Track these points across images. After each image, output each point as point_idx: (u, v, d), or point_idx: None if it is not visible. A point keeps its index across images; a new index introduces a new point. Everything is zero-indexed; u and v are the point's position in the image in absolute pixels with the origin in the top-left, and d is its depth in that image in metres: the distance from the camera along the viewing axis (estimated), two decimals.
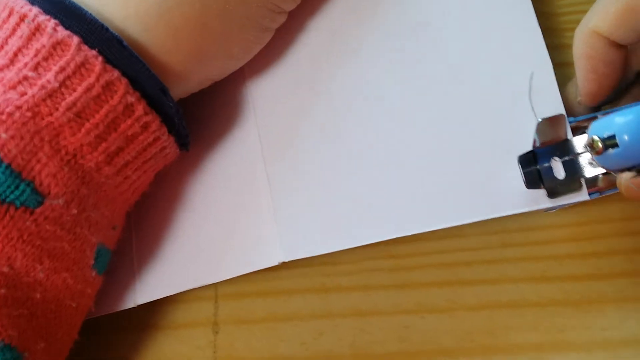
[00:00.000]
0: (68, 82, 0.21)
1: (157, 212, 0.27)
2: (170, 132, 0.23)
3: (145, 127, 0.22)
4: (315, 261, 0.25)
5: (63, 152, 0.21)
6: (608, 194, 0.23)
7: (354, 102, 0.26)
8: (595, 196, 0.23)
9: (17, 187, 0.20)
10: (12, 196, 0.20)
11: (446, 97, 0.25)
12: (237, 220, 0.26)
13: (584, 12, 0.22)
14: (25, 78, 0.20)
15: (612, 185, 0.22)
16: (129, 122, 0.22)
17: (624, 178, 0.20)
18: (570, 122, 0.23)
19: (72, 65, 0.20)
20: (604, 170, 0.22)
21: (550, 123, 0.22)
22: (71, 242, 0.22)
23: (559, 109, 0.23)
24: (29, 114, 0.20)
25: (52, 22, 0.20)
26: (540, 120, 0.21)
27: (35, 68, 0.21)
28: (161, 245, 0.26)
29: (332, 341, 0.25)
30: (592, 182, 0.23)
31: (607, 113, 0.21)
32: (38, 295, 0.21)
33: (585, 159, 0.22)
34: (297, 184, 0.25)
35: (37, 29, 0.21)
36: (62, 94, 0.21)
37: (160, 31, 0.22)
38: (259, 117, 0.27)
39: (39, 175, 0.20)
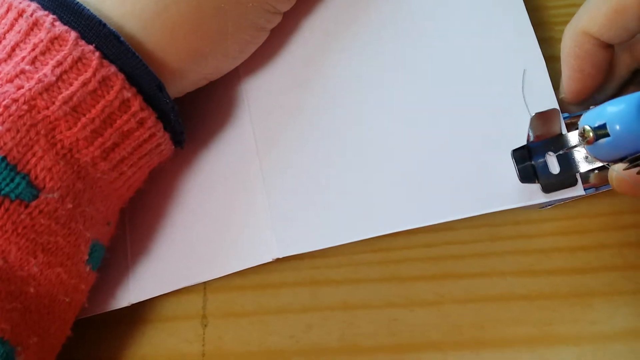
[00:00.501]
0: (65, 77, 0.21)
1: (152, 209, 0.27)
2: (165, 128, 0.24)
3: (141, 123, 0.22)
4: (305, 254, 0.25)
5: (59, 146, 0.21)
6: (604, 190, 0.23)
7: (347, 101, 0.26)
8: (591, 192, 0.23)
9: (12, 180, 0.20)
10: (7, 189, 0.20)
11: (439, 94, 0.25)
12: (232, 217, 0.26)
13: (574, 5, 0.22)
14: (22, 72, 0.21)
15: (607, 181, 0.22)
16: (125, 117, 0.22)
17: (615, 170, 0.20)
18: (564, 118, 0.23)
19: (69, 59, 0.21)
20: (599, 165, 0.21)
21: (543, 117, 0.22)
22: (66, 236, 0.22)
23: (552, 103, 0.23)
24: (25, 107, 0.20)
25: (50, 18, 0.21)
26: (533, 114, 0.21)
27: (33, 62, 0.21)
28: (155, 243, 0.26)
29: (321, 334, 0.25)
30: (587, 177, 0.22)
31: None
32: (32, 290, 0.21)
33: (580, 155, 0.22)
34: (291, 181, 0.26)
35: (35, 24, 0.21)
36: (59, 88, 0.21)
37: (156, 29, 0.22)
38: (254, 116, 0.27)
39: (34, 168, 0.21)
